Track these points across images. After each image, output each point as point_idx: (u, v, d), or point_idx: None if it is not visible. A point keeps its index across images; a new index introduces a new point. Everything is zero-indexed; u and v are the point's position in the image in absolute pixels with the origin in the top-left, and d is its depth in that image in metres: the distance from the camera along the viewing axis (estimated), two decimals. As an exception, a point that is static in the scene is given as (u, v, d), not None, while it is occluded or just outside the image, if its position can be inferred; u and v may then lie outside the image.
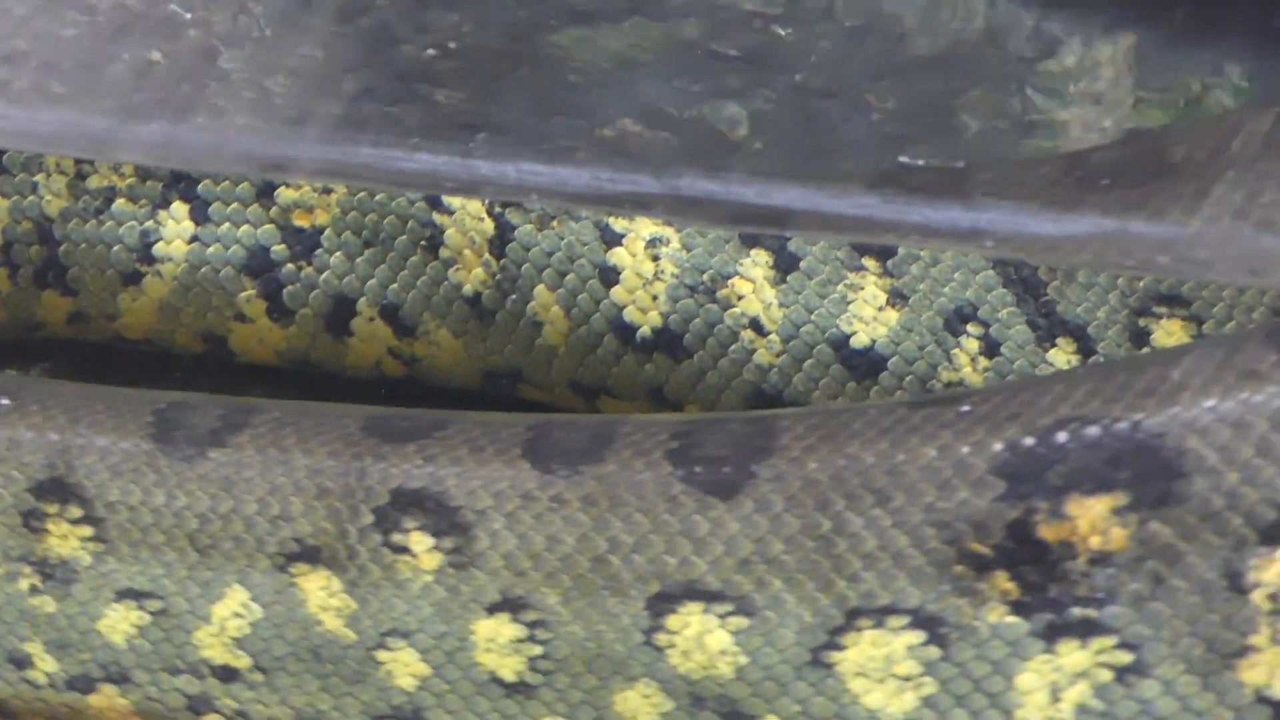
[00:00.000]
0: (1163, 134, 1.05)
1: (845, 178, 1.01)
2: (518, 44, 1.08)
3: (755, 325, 1.30)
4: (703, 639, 0.97)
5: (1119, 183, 0.98)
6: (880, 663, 0.96)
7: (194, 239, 1.34)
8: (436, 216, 1.32)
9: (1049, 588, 0.94)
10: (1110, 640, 0.93)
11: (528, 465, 1.00)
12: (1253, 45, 1.13)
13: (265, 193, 1.33)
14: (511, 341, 1.32)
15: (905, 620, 0.95)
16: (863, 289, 1.29)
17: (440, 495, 1.00)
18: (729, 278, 1.30)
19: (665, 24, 1.09)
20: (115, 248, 1.34)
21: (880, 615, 0.95)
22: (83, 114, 1.02)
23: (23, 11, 1.07)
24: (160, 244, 1.34)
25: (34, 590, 1.08)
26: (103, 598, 1.07)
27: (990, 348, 1.27)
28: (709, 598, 0.97)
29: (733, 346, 1.30)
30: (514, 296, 1.31)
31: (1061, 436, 0.94)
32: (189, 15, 1.07)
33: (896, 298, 1.28)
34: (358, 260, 1.33)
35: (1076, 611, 0.93)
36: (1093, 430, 0.93)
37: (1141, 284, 1.23)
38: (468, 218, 1.31)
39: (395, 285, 1.33)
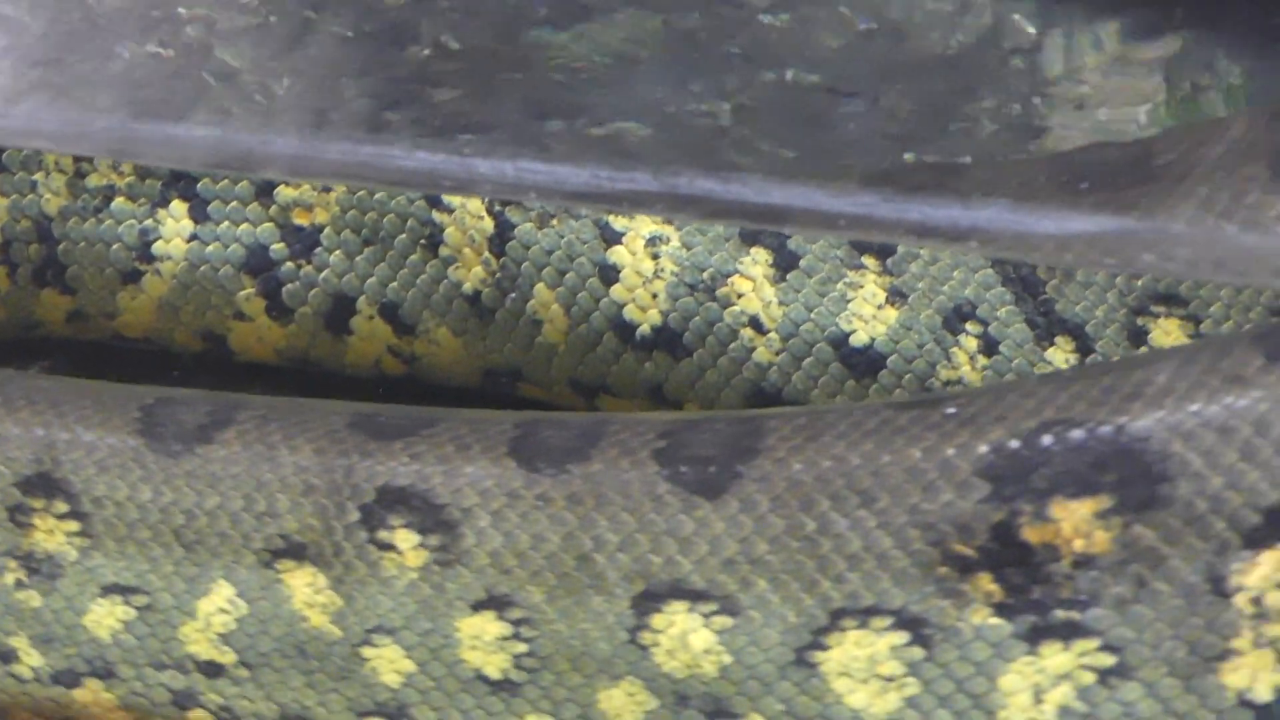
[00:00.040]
0: (1154, 137, 1.05)
1: (844, 175, 1.01)
2: (514, 40, 1.08)
3: (755, 323, 1.30)
4: (687, 638, 0.98)
5: (1108, 184, 0.98)
6: (864, 663, 0.96)
7: (193, 237, 1.34)
8: (436, 215, 1.32)
9: (1032, 590, 0.94)
10: (1093, 642, 0.93)
11: (514, 464, 1.01)
12: (1252, 44, 1.12)
13: (264, 191, 1.33)
14: (511, 340, 1.33)
15: (889, 621, 0.95)
16: (862, 287, 1.29)
17: (426, 493, 1.01)
18: (728, 276, 1.30)
19: (662, 18, 1.10)
20: (114, 246, 1.35)
21: (864, 616, 0.95)
22: (81, 113, 1.03)
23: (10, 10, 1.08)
24: (159, 242, 1.35)
25: (20, 585, 1.09)
26: (88, 593, 1.07)
27: (989, 346, 1.27)
28: (694, 597, 0.97)
29: (732, 345, 1.30)
30: (514, 295, 1.32)
31: (1046, 439, 0.94)
32: (187, 13, 1.08)
33: (896, 296, 1.28)
34: (357, 259, 1.33)
35: (1060, 614, 0.93)
36: (1077, 433, 0.93)
37: (1139, 283, 1.22)
38: (467, 216, 1.32)
39: (395, 284, 1.33)
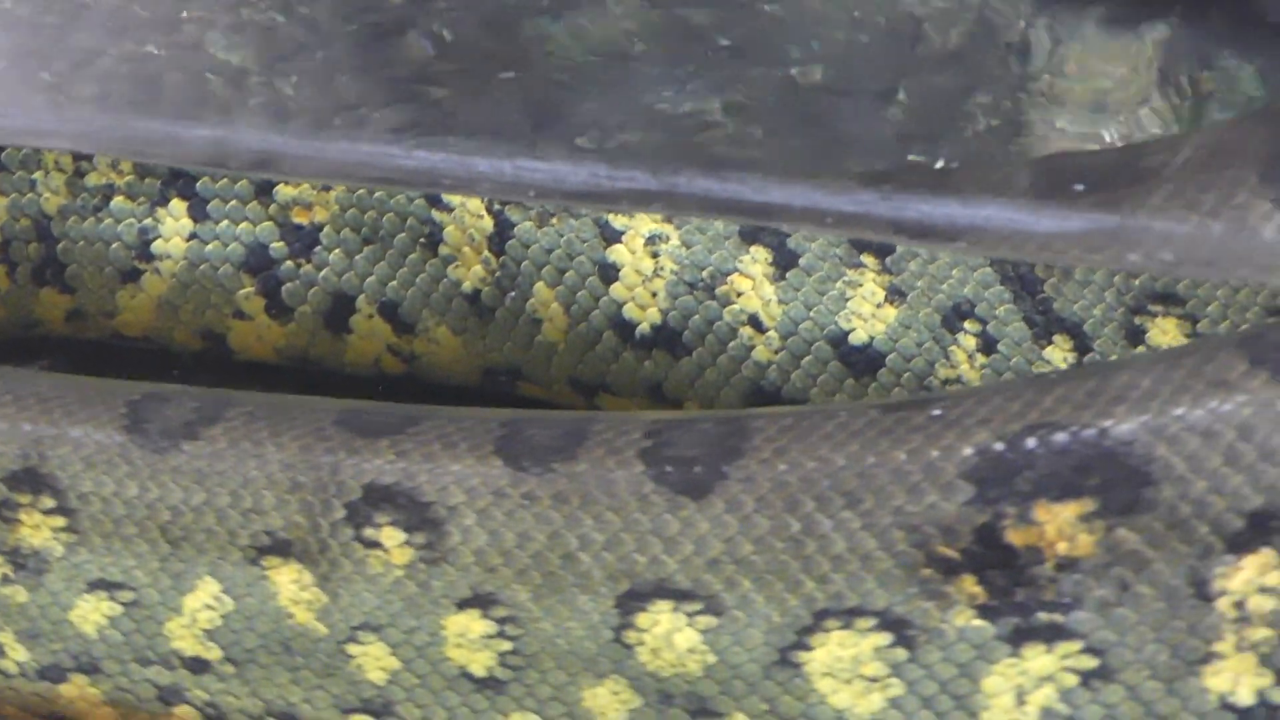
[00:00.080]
0: (1146, 140, 1.04)
1: (843, 174, 1.01)
2: (510, 35, 1.08)
3: (754, 322, 1.30)
4: (671, 637, 0.98)
5: (1101, 185, 0.98)
6: (847, 663, 0.96)
7: (192, 236, 1.35)
8: (435, 213, 1.33)
9: (1016, 592, 0.94)
10: (1076, 645, 0.93)
11: (500, 462, 1.01)
12: (1267, 42, 1.11)
13: (264, 190, 1.34)
14: (511, 339, 1.33)
15: (873, 622, 0.95)
16: (861, 286, 1.29)
17: (412, 490, 1.02)
18: (728, 274, 1.30)
19: (661, 9, 1.09)
20: (114, 245, 1.36)
21: (848, 616, 0.96)
22: (80, 111, 1.04)
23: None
24: (159, 241, 1.35)
25: (6, 580, 1.10)
26: (74, 588, 1.08)
27: (987, 345, 1.26)
28: (678, 596, 0.98)
29: (731, 343, 1.30)
30: (513, 293, 1.32)
31: (1031, 442, 0.93)
32: (186, 13, 1.09)
33: (894, 294, 1.28)
34: (357, 257, 1.34)
35: (1043, 616, 0.93)
36: (1062, 437, 0.93)
37: (1137, 282, 1.22)
38: (467, 215, 1.32)
39: (394, 282, 1.33)
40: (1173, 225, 0.95)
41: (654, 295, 1.31)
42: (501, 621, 1.01)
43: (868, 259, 1.28)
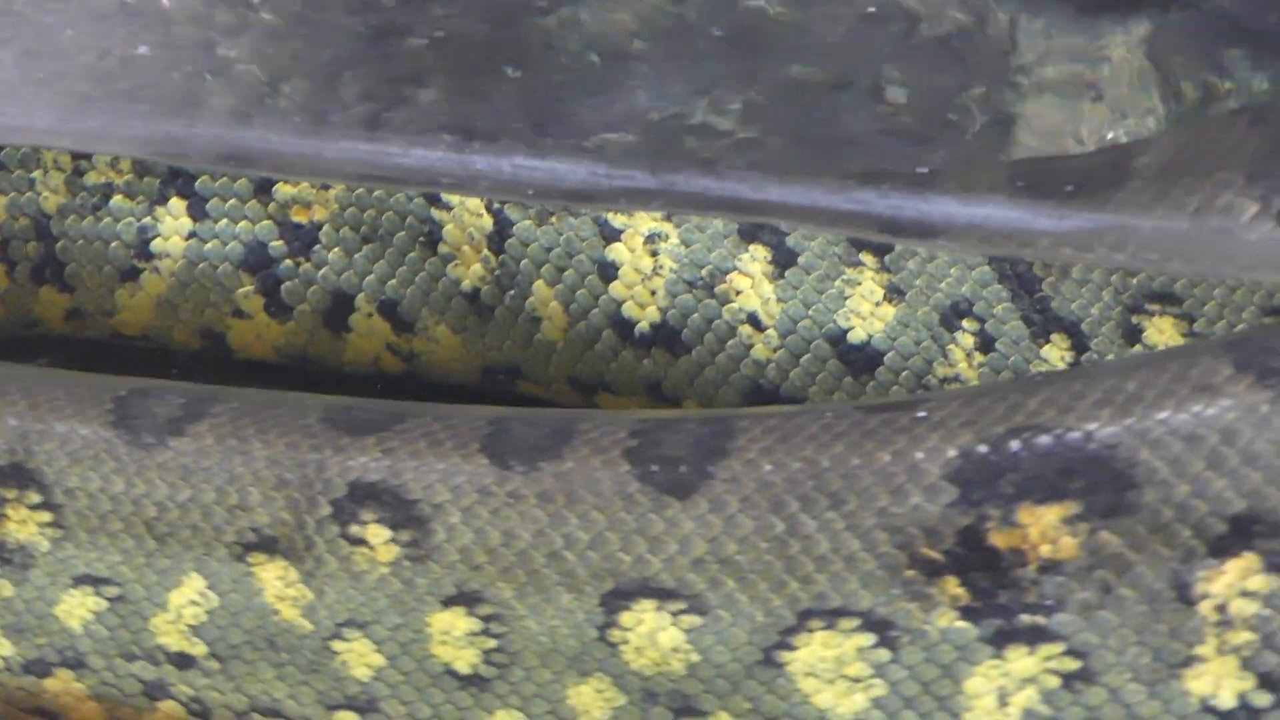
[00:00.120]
0: (1136, 141, 1.04)
1: (842, 173, 1.01)
2: (507, 32, 1.08)
3: (753, 320, 1.30)
4: (656, 636, 0.98)
5: (1091, 185, 0.98)
6: (831, 664, 0.96)
7: (192, 235, 1.36)
8: (435, 212, 1.33)
9: (999, 594, 0.93)
10: (1058, 647, 0.93)
11: (486, 460, 1.01)
12: (1259, 39, 1.10)
13: (263, 189, 1.34)
14: (510, 337, 1.33)
15: (856, 622, 0.95)
16: (860, 284, 1.28)
17: (398, 488, 1.02)
18: (727, 273, 1.30)
19: (660, 4, 1.09)
20: (113, 244, 1.36)
21: (831, 617, 0.96)
22: (78, 110, 1.05)
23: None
24: (158, 240, 1.36)
25: (-9, 575, 1.12)
26: (60, 583, 1.09)
27: (985, 343, 1.26)
28: (663, 595, 0.98)
29: (730, 342, 1.30)
30: (512, 292, 1.32)
31: (1015, 445, 0.93)
32: (184, 10, 1.09)
33: (893, 293, 1.28)
34: (356, 256, 1.34)
35: (1025, 618, 0.93)
36: (1046, 439, 0.93)
37: (1134, 281, 1.22)
38: (466, 213, 1.32)
39: (394, 281, 1.34)
40: (1160, 223, 0.95)
41: (653, 294, 1.31)
42: (486, 619, 1.01)
43: (866, 257, 1.28)
